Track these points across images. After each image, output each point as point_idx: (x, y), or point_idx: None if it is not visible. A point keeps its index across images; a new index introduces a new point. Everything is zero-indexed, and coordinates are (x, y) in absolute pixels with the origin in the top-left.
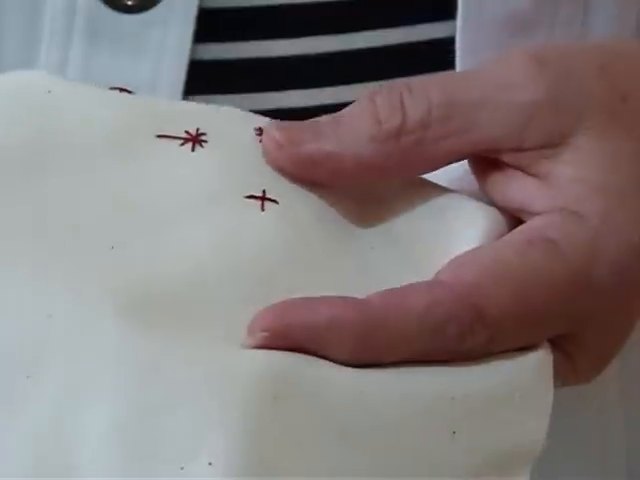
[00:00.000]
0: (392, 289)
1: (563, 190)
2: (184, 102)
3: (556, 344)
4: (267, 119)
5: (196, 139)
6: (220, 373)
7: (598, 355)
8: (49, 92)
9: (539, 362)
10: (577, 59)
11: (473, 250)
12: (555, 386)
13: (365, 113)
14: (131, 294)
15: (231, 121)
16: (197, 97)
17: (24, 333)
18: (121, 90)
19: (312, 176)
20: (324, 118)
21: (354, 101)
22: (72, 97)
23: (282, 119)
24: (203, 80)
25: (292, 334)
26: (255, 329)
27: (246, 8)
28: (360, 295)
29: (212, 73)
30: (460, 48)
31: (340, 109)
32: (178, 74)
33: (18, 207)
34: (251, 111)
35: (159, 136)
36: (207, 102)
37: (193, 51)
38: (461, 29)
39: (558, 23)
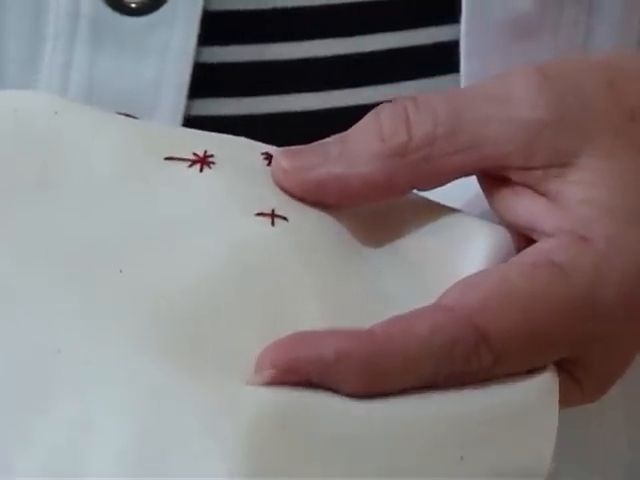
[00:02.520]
0: (395, 317)
1: (570, 212)
2: (189, 129)
3: (562, 367)
4: (273, 147)
5: (204, 161)
6: (226, 404)
7: (604, 377)
8: (56, 113)
9: (545, 385)
10: (584, 76)
11: (478, 273)
12: (560, 407)
13: (370, 131)
14: (140, 323)
15: (238, 146)
16: (202, 100)
17: (34, 370)
18: (127, 116)
19: (321, 198)
20: (330, 139)
21: (360, 105)
22: (79, 119)
23: (288, 122)
24: (208, 83)
25: (300, 369)
26: (263, 366)
27: (251, 11)
28: (368, 318)
29: (217, 76)
30: (464, 51)
31: (346, 112)
32: (183, 77)
33: (24, 233)
34: (257, 114)
35: (167, 158)
36: (213, 105)
37: (198, 54)
38: (465, 33)
39: (562, 27)
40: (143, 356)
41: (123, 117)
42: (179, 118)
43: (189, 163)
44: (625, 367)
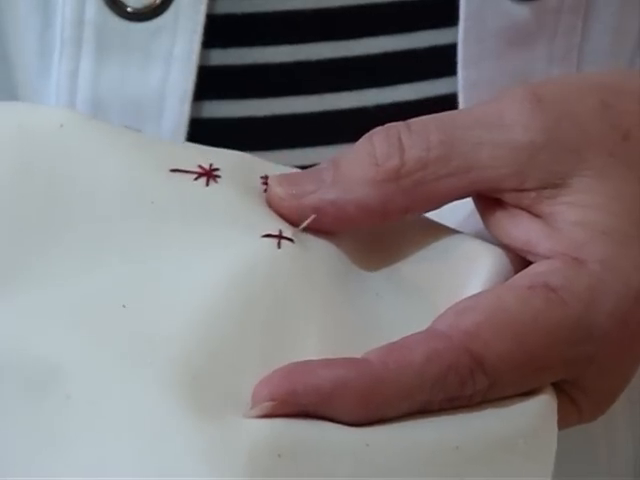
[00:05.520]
0: (391, 345)
1: (565, 235)
2: (192, 144)
3: (559, 388)
4: (272, 165)
5: (210, 174)
6: (224, 438)
7: (601, 398)
8: (61, 126)
9: (543, 407)
10: (578, 97)
11: (473, 297)
12: (558, 428)
13: (363, 155)
14: (141, 359)
15: (240, 162)
16: (207, 103)
17: (44, 416)
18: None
19: (317, 225)
20: (324, 164)
21: (360, 107)
22: (85, 133)
23: (290, 124)
24: (212, 85)
25: (297, 401)
26: (259, 399)
27: (253, 14)
28: (367, 344)
29: (221, 78)
30: (462, 57)
31: (347, 115)
32: (187, 81)
33: (27, 283)
34: (260, 116)
35: (172, 170)
36: (217, 107)
37: (201, 57)
38: (463, 38)
39: (558, 33)
40: (144, 391)
41: (128, 130)
42: (185, 121)
43: (195, 176)
44: (623, 387)
